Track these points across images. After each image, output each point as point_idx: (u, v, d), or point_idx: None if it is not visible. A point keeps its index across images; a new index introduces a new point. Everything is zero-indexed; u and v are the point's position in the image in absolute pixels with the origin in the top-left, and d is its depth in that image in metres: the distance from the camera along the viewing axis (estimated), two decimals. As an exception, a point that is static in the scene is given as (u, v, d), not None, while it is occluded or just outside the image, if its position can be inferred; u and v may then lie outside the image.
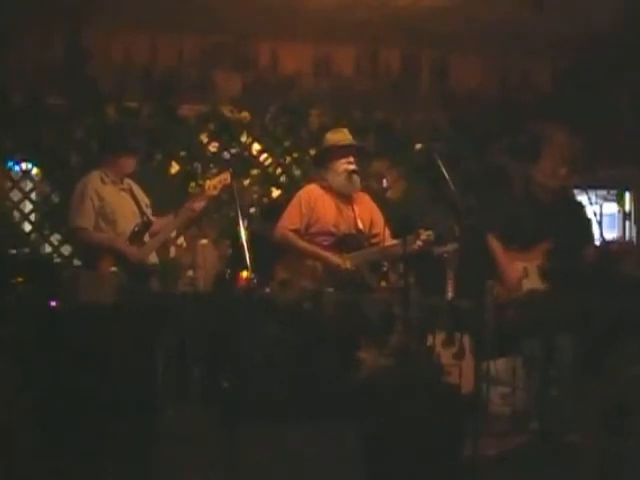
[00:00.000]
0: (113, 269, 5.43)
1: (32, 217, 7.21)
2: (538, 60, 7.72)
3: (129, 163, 5.75)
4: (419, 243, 5.47)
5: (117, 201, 5.65)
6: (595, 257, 5.51)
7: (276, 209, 6.26)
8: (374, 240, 5.83)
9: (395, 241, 5.63)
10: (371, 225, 5.88)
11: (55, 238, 7.12)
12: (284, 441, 4.55)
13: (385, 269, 6.45)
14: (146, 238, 5.66)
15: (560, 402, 5.18)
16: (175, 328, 5.52)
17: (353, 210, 5.83)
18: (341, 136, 5.89)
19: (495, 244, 5.60)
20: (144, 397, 4.72)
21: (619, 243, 6.25)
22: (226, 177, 5.70)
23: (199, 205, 5.69)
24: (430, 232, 5.50)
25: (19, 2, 6.29)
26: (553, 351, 5.24)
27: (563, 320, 5.22)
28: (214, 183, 5.67)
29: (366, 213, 5.89)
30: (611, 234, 7.92)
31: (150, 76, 7.27)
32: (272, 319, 5.34)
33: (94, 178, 5.62)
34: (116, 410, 4.51)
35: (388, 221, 5.87)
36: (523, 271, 5.56)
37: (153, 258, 5.71)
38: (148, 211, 5.78)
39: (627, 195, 8.33)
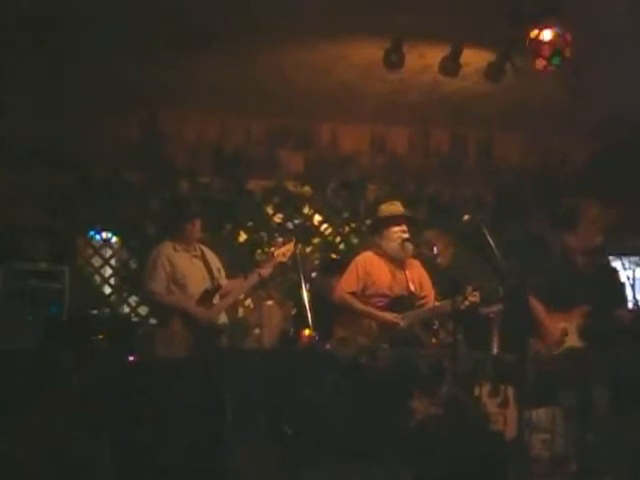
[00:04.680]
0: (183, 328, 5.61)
1: (112, 281, 7.54)
2: (574, 139, 7.90)
3: (194, 228, 5.89)
4: (467, 303, 5.56)
5: (188, 267, 5.83)
6: (629, 319, 5.66)
7: (336, 267, 6.50)
8: (423, 302, 5.97)
9: (446, 301, 5.67)
10: (420, 288, 6.00)
11: (133, 299, 7.38)
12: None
13: (435, 327, 6.45)
14: (217, 299, 5.82)
15: (595, 447, 5.30)
16: (242, 380, 5.53)
17: (405, 274, 5.95)
18: (394, 207, 6.07)
19: (537, 306, 5.77)
20: (213, 443, 4.98)
21: None
22: (292, 247, 5.89)
23: (267, 271, 5.89)
24: (477, 292, 5.60)
25: (101, 87, 6.62)
26: (589, 402, 5.40)
27: (598, 374, 5.42)
28: (283, 251, 5.86)
29: (416, 277, 6.01)
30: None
31: (220, 154, 7.64)
32: (332, 372, 5.46)
33: (166, 246, 5.84)
34: (186, 455, 4.82)
35: (439, 284, 6.04)
36: (563, 331, 5.73)
37: (223, 317, 5.88)
38: (221, 274, 5.95)
39: (657, 261, 8.36)
